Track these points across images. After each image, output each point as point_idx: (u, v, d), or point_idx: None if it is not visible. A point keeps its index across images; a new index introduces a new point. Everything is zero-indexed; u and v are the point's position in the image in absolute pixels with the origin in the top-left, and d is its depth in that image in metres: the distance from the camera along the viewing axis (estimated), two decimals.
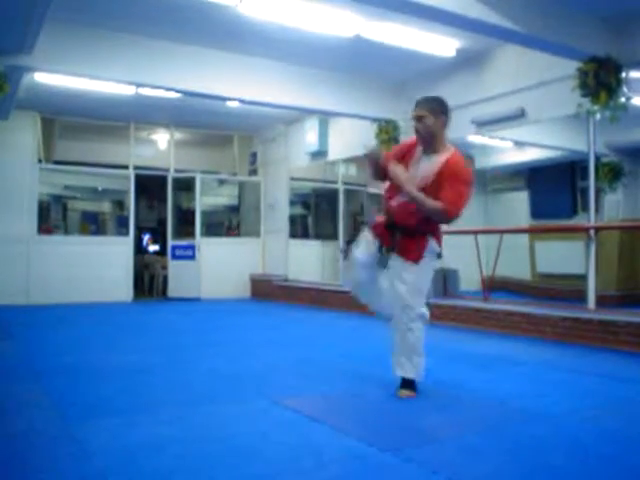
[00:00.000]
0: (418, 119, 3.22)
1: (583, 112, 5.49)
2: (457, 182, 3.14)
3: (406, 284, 3.24)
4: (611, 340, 5.03)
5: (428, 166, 3.24)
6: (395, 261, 3.33)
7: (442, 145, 3.26)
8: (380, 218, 3.43)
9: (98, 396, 3.32)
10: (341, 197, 10.17)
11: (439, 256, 3.36)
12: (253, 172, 11.24)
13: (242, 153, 11.30)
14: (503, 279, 8.43)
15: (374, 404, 3.26)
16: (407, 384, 3.34)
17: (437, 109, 3.23)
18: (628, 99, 5.45)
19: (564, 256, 8.23)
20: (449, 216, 3.17)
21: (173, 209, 10.36)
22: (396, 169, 3.26)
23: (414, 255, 3.26)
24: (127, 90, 7.40)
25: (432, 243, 3.30)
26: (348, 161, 10.02)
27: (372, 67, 7.34)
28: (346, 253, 4.03)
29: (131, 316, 8.05)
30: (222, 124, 10.27)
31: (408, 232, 3.29)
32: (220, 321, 7.49)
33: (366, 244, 3.46)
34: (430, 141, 3.24)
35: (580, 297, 5.95)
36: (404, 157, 3.35)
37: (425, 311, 3.34)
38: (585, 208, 6.21)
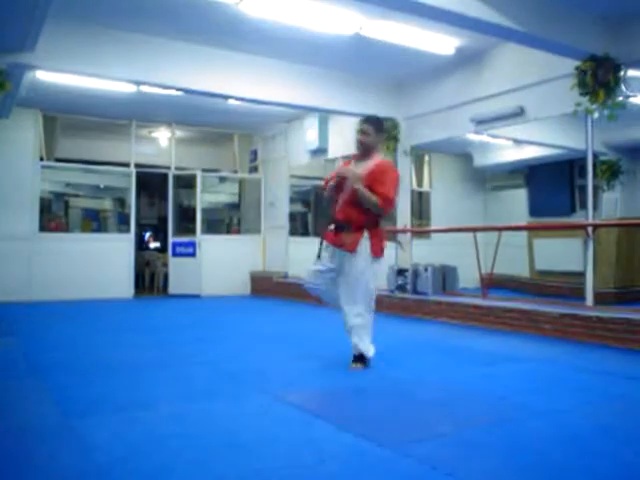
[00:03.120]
0: (363, 133, 3.86)
1: (581, 111, 5.52)
2: (387, 179, 3.75)
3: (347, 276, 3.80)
4: (609, 337, 5.06)
5: (361, 169, 3.83)
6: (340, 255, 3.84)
7: (375, 155, 3.91)
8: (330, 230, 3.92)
9: (99, 392, 3.35)
10: None
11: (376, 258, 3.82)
12: (253, 169, 11.27)
13: (242, 151, 11.33)
14: (502, 276, 8.47)
15: (374, 399, 3.29)
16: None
17: (379, 128, 3.93)
18: (626, 98, 5.48)
19: (562, 253, 8.26)
20: (383, 207, 3.72)
21: (174, 206, 10.39)
22: (348, 169, 3.88)
23: (351, 246, 3.77)
24: (128, 88, 7.42)
25: (366, 239, 3.76)
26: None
27: (372, 65, 7.35)
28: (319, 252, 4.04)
29: (132, 312, 8.08)
30: (223, 122, 10.29)
31: (350, 227, 3.80)
32: (220, 317, 7.52)
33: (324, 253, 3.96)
34: (366, 152, 3.91)
35: (578, 294, 5.99)
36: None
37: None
38: (583, 206, 6.24)
